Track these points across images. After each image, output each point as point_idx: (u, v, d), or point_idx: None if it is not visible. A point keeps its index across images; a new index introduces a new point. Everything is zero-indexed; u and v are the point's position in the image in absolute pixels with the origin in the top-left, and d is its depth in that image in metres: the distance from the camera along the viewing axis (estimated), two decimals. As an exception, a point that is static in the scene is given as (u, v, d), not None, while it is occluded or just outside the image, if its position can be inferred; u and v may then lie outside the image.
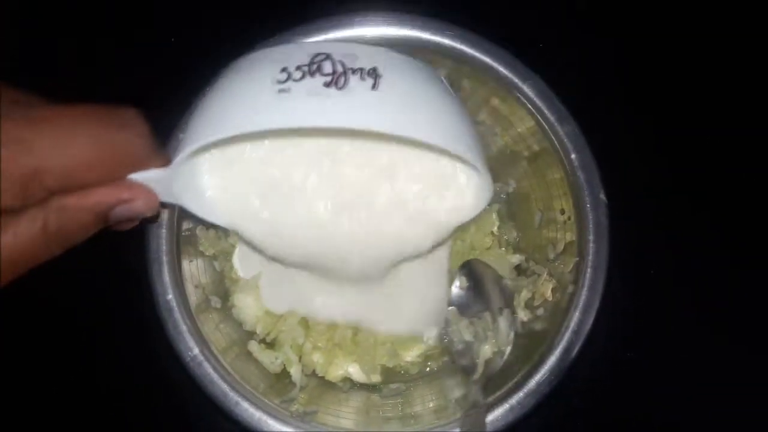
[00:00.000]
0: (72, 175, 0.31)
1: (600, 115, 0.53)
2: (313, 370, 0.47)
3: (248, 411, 0.43)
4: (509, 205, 0.52)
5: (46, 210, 0.31)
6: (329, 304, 0.47)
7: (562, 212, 0.47)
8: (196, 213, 0.40)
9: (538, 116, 0.47)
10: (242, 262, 0.49)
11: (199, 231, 0.48)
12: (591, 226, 0.45)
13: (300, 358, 0.47)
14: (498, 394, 0.43)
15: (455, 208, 0.43)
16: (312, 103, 0.33)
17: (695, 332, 0.53)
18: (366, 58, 0.35)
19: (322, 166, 0.42)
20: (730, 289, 0.54)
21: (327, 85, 0.33)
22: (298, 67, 0.34)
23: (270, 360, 0.47)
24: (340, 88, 0.33)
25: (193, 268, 0.47)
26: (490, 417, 0.42)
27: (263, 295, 0.48)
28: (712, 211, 0.55)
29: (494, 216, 0.51)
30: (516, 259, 0.50)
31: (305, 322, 0.48)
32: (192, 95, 0.43)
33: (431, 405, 0.46)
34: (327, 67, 0.34)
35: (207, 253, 0.49)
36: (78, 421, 0.51)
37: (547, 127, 0.46)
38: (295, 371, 0.46)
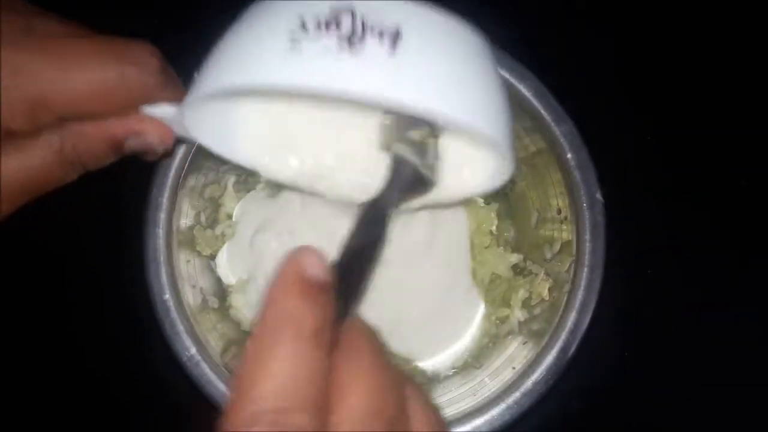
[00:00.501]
0: (80, 104, 0.31)
1: (597, 114, 0.53)
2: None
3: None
4: (506, 205, 0.52)
5: (62, 133, 0.32)
6: None
7: (559, 212, 0.47)
8: (214, 150, 0.38)
9: (535, 116, 0.46)
10: (230, 266, 0.49)
11: (196, 231, 0.48)
12: (587, 225, 0.45)
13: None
14: (494, 393, 0.43)
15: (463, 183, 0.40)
16: (319, 66, 0.30)
17: (693, 332, 0.53)
18: (392, 14, 0.31)
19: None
20: (729, 288, 0.54)
21: (340, 45, 0.31)
22: (316, 20, 0.31)
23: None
24: (353, 51, 0.31)
25: (190, 269, 0.47)
26: (486, 416, 0.43)
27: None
28: (711, 211, 0.55)
29: (493, 215, 0.51)
30: (514, 258, 0.50)
31: None
32: (214, 30, 0.41)
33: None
34: (346, 22, 0.31)
35: (204, 254, 0.49)
36: (73, 422, 0.51)
37: (543, 126, 0.46)
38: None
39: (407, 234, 0.48)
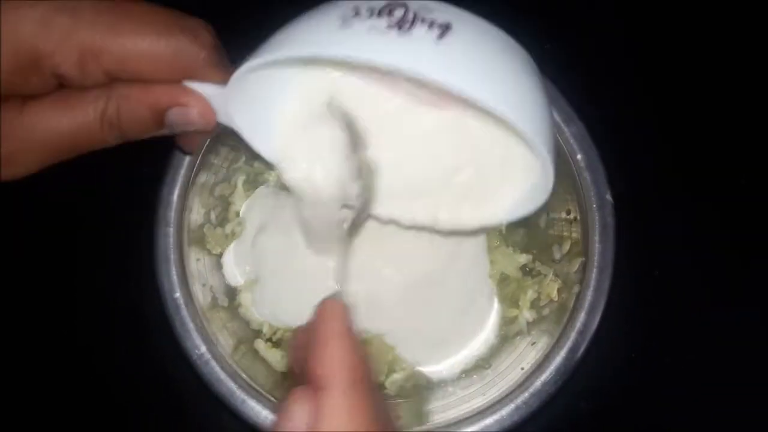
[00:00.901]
0: (129, 64, 0.32)
1: (607, 115, 0.53)
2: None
3: (254, 409, 0.43)
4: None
5: (109, 94, 0.33)
6: None
7: (568, 212, 0.47)
8: (247, 140, 0.38)
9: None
10: (236, 265, 0.50)
11: (206, 230, 0.49)
12: (597, 226, 0.45)
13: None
14: (503, 393, 0.44)
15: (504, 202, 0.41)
16: (365, 39, 0.31)
17: (701, 332, 0.53)
18: (444, 14, 0.32)
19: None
20: (739, 289, 0.54)
21: (390, 26, 0.31)
22: (369, 8, 0.32)
23: (276, 359, 0.47)
24: (402, 32, 0.31)
25: (200, 267, 0.47)
26: (496, 416, 0.43)
27: (260, 309, 0.49)
28: (721, 212, 0.55)
29: None
30: (523, 258, 0.50)
31: None
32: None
33: (440, 404, 0.46)
34: (398, 12, 0.32)
35: (214, 252, 0.49)
36: (82, 420, 0.51)
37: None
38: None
39: (433, 249, 0.48)
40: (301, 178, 0.40)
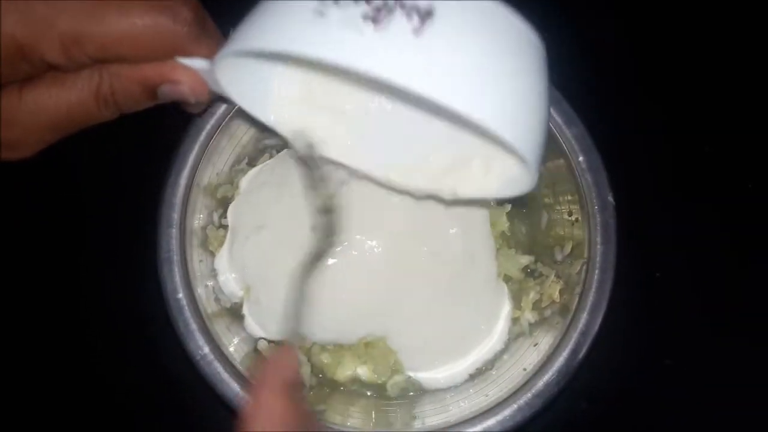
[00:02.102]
0: (111, 47, 0.33)
1: (609, 117, 0.54)
2: (322, 370, 0.48)
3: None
4: (519, 205, 0.52)
5: (101, 72, 0.34)
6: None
7: (570, 214, 0.48)
8: (246, 109, 0.38)
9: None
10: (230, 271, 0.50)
11: (209, 231, 0.49)
12: (599, 227, 0.45)
13: (308, 358, 0.48)
14: (505, 394, 0.44)
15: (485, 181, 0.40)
16: (340, 37, 0.29)
17: (703, 334, 0.53)
18: None
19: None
20: (739, 291, 0.54)
21: (366, 18, 0.29)
22: None
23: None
24: (377, 25, 0.29)
25: (203, 268, 0.48)
26: (498, 417, 0.43)
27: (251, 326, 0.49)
28: (722, 214, 0.55)
29: (505, 217, 0.51)
30: (525, 260, 0.50)
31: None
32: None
33: (441, 405, 0.47)
34: None
35: (217, 253, 0.49)
36: (84, 421, 0.52)
37: (554, 129, 0.47)
38: (303, 371, 0.47)
39: (444, 256, 0.48)
40: (300, 129, 0.40)
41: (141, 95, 0.35)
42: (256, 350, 0.47)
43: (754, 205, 0.56)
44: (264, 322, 0.48)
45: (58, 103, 0.34)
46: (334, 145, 0.41)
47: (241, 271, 0.49)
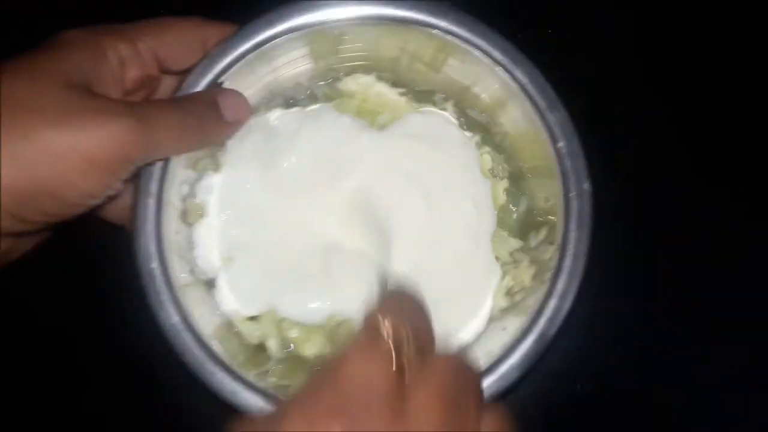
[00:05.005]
0: None
1: (599, 105, 0.54)
2: (290, 345, 0.48)
3: (223, 381, 0.43)
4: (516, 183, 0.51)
5: None
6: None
7: (546, 200, 0.47)
8: None
9: (529, 102, 0.47)
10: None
11: (188, 203, 0.49)
12: (574, 214, 0.45)
13: (279, 332, 0.48)
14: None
15: None
16: None
17: (683, 326, 0.54)
18: None
19: None
20: (719, 283, 0.54)
21: None
22: None
23: (249, 331, 0.47)
24: None
25: (180, 239, 0.48)
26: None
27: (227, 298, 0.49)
28: (703, 207, 0.55)
29: (503, 192, 0.50)
30: (516, 243, 0.50)
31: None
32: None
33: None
34: None
35: (196, 225, 0.49)
36: (50, 388, 0.53)
37: (536, 113, 0.46)
38: (272, 344, 0.47)
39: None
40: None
41: None
42: (227, 324, 0.48)
43: (742, 200, 0.56)
44: (242, 295, 0.48)
45: None
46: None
47: (223, 242, 0.49)
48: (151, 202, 0.46)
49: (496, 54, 0.47)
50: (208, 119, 0.44)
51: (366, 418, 0.28)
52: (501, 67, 0.47)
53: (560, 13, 0.59)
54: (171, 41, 0.44)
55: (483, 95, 0.50)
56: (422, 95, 0.52)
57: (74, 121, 0.37)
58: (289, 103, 0.52)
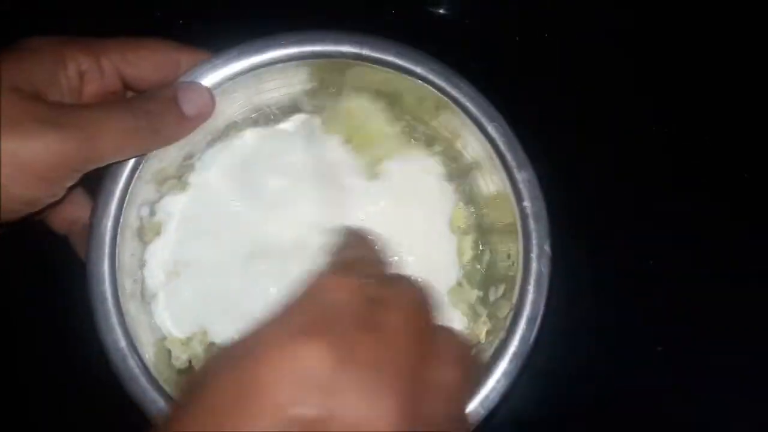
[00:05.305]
0: None
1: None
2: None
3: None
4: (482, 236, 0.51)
5: None
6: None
7: (508, 256, 0.47)
8: None
9: (499, 160, 0.47)
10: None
11: (145, 221, 0.48)
12: (533, 275, 0.45)
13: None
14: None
15: None
16: None
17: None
18: None
19: None
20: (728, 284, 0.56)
21: None
22: None
23: (177, 353, 0.48)
24: None
25: (134, 261, 0.47)
26: None
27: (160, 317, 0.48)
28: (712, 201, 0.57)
29: (470, 242, 0.51)
30: (474, 295, 0.50)
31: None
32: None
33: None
34: None
35: (150, 243, 0.49)
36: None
37: (505, 172, 0.46)
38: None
39: None
40: None
41: None
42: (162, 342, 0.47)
43: (749, 195, 0.57)
44: (178, 314, 0.48)
45: None
46: None
47: (172, 257, 0.49)
48: (109, 223, 0.45)
49: (474, 110, 0.47)
50: (165, 117, 0.43)
51: (342, 331, 0.27)
52: (476, 125, 0.46)
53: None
54: (138, 61, 0.44)
55: (465, 150, 0.50)
56: (419, 136, 0.51)
57: (15, 128, 0.36)
58: (269, 119, 0.52)
